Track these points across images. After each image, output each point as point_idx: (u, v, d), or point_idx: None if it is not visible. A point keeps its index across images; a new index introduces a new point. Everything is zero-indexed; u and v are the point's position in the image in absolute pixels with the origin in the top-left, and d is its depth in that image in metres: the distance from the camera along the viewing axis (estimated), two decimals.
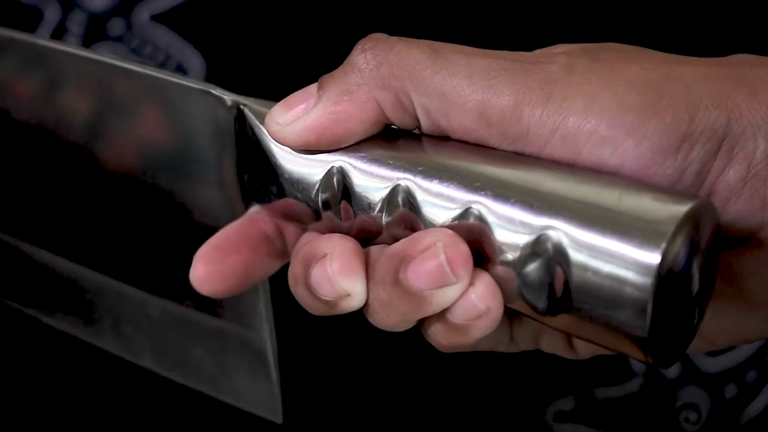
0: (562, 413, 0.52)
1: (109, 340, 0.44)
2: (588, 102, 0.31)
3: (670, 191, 0.30)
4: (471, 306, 0.32)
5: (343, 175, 0.34)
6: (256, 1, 0.50)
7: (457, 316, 0.32)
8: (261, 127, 0.35)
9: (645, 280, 0.29)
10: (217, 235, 0.36)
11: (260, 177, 0.36)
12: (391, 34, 0.34)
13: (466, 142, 0.33)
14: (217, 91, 0.36)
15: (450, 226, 0.32)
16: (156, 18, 0.50)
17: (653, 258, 0.29)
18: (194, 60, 0.49)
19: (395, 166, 0.33)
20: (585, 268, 0.30)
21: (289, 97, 0.34)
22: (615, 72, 0.32)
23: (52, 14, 0.50)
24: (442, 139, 0.33)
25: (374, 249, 0.34)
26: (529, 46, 0.35)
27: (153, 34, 0.49)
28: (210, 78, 0.49)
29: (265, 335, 0.39)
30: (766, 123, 0.31)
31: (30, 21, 0.50)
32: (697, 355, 0.52)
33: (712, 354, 0.52)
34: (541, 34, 0.49)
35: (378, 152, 0.33)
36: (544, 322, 0.32)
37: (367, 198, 0.33)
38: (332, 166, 0.34)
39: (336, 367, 0.52)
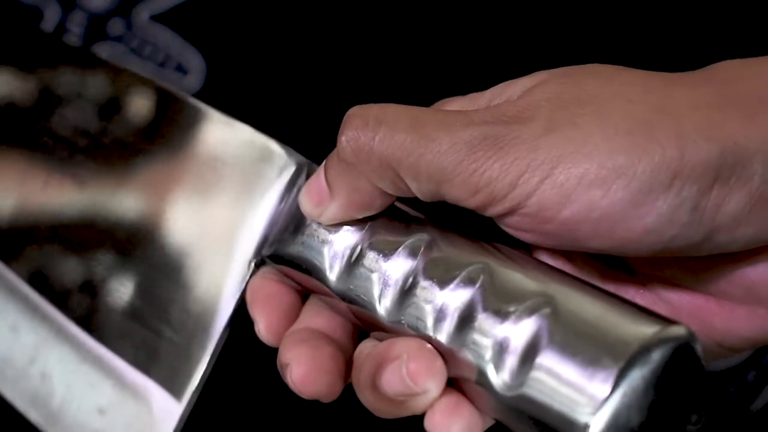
0: None
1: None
2: (577, 146, 0.31)
3: (648, 316, 0.31)
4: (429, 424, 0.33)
5: (361, 251, 0.36)
6: (256, 1, 0.50)
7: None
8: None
9: (593, 404, 0.29)
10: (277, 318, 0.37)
11: (289, 235, 0.38)
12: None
13: (468, 229, 0.34)
14: (288, 152, 0.38)
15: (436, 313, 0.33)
16: (156, 18, 0.50)
17: (606, 384, 0.29)
18: (194, 60, 0.49)
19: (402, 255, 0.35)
20: (548, 367, 0.30)
21: (306, 185, 0.36)
22: (602, 111, 0.31)
23: (52, 14, 0.50)
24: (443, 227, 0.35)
25: (364, 347, 0.35)
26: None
27: (153, 34, 0.49)
28: (210, 78, 0.49)
29: (180, 411, 0.39)
30: (764, 145, 0.31)
31: (30, 21, 0.50)
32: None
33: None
34: (534, 34, 0.49)
35: (393, 238, 0.36)
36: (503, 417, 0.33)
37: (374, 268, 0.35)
38: (355, 247, 0.36)
39: None
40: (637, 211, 0.31)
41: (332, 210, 0.35)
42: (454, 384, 0.34)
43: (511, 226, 0.33)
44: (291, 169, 0.38)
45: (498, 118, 0.32)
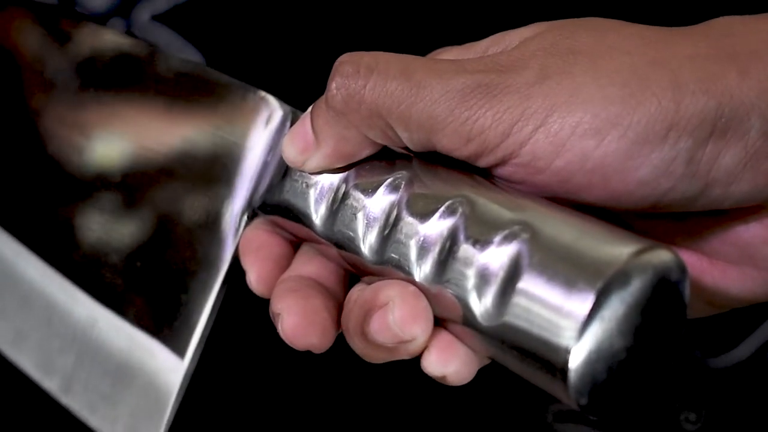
0: (562, 413, 0.52)
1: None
2: (571, 95, 0.30)
3: (629, 237, 0.30)
4: (428, 367, 0.33)
5: (346, 193, 0.35)
6: (256, 1, 0.50)
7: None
8: None
9: (573, 325, 0.29)
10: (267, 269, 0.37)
11: (276, 183, 0.37)
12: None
13: (454, 161, 0.33)
14: (274, 101, 0.38)
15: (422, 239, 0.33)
16: (156, 18, 0.50)
17: (585, 304, 0.29)
18: (194, 60, 0.49)
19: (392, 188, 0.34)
20: (528, 292, 0.30)
21: (290, 132, 0.36)
22: (597, 62, 0.31)
23: None
24: (431, 162, 0.34)
25: (353, 292, 0.34)
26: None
27: (153, 34, 0.49)
28: None
29: (183, 368, 0.38)
30: (760, 100, 0.30)
31: None
32: (696, 355, 0.52)
33: (713, 353, 0.52)
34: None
35: (376, 177, 0.35)
36: (477, 343, 0.32)
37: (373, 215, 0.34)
38: (339, 188, 0.35)
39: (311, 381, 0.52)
40: (632, 163, 0.30)
41: (317, 158, 0.35)
42: (442, 324, 0.33)
43: (503, 176, 0.32)
44: (278, 118, 0.37)
45: (491, 67, 0.32)
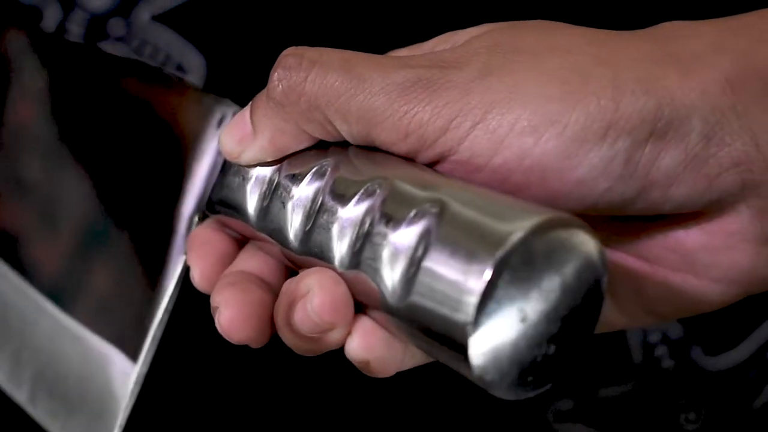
0: (562, 413, 0.52)
1: None
2: (511, 92, 0.30)
3: (534, 207, 0.29)
4: (350, 353, 0.32)
5: (278, 185, 0.35)
6: (257, 1, 0.50)
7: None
8: None
9: (470, 298, 0.28)
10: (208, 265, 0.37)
11: (219, 180, 0.37)
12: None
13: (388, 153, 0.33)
14: (227, 104, 0.37)
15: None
16: (157, 18, 0.50)
17: (483, 274, 0.28)
18: (195, 60, 0.49)
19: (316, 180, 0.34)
20: (431, 269, 0.29)
21: (229, 124, 0.35)
22: (539, 59, 0.31)
23: (52, 14, 0.50)
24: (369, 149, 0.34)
25: (285, 285, 0.34)
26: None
27: (154, 34, 0.49)
28: (211, 78, 0.49)
29: (135, 372, 0.38)
30: (701, 102, 0.30)
31: (30, 21, 0.50)
32: (697, 355, 0.52)
33: (713, 353, 0.52)
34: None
35: (306, 166, 0.34)
36: (398, 332, 0.31)
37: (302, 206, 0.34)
38: (271, 180, 0.35)
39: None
40: (570, 162, 0.30)
41: (253, 150, 0.35)
42: (364, 311, 0.32)
43: (442, 172, 0.32)
44: (229, 119, 0.37)
45: (433, 63, 0.32)
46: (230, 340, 0.34)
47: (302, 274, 0.33)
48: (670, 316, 0.35)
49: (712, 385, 0.52)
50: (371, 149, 0.33)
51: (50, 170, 0.42)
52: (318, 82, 0.32)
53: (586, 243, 0.29)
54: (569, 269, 0.29)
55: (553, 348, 0.29)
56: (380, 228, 0.31)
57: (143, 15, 0.49)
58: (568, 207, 0.31)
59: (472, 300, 0.28)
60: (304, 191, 0.34)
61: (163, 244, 0.38)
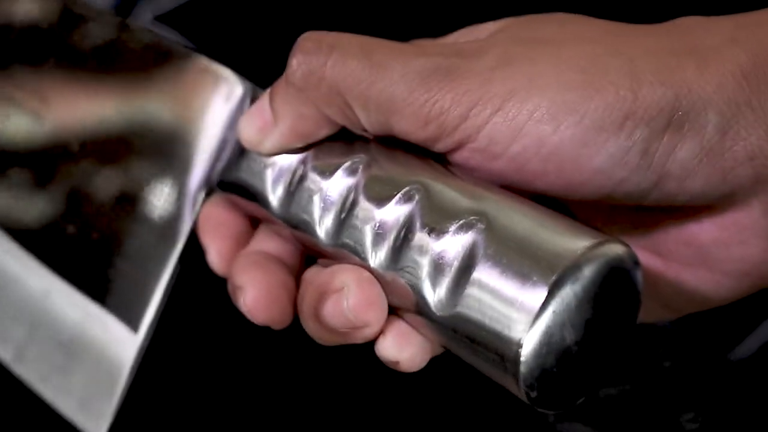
0: (563, 413, 0.52)
1: None
2: (530, 80, 0.30)
3: (584, 230, 0.30)
4: (381, 352, 0.33)
5: (303, 176, 0.35)
6: (257, 1, 0.50)
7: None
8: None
9: (525, 318, 0.29)
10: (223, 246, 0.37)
11: (234, 161, 0.37)
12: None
13: (411, 146, 0.33)
14: (235, 77, 0.37)
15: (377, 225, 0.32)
16: (159, 18, 0.50)
17: (538, 297, 0.29)
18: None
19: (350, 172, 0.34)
20: (482, 283, 0.30)
21: (248, 112, 0.35)
22: (558, 50, 0.31)
23: None
24: (387, 144, 0.34)
25: (308, 274, 0.34)
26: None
27: None
28: None
29: (136, 342, 0.38)
30: (718, 95, 0.30)
31: None
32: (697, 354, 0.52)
33: (718, 350, 0.52)
34: None
35: (334, 160, 0.34)
36: (441, 339, 0.32)
37: (329, 199, 0.34)
38: (296, 170, 0.35)
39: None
40: (587, 151, 0.30)
41: (275, 138, 0.34)
42: (396, 312, 0.33)
43: (459, 162, 0.32)
44: (237, 94, 0.37)
45: (453, 52, 0.32)
46: (254, 321, 0.35)
47: (335, 269, 0.33)
48: (684, 311, 0.35)
49: (712, 384, 0.52)
50: (398, 148, 0.34)
51: (51, 131, 0.42)
52: (338, 67, 0.32)
53: (630, 264, 0.30)
54: (612, 288, 0.30)
55: (593, 362, 0.31)
56: (422, 236, 0.31)
57: (144, 15, 0.50)
58: (584, 196, 0.31)
59: (527, 319, 0.29)
60: (335, 186, 0.34)
61: (166, 216, 0.38)
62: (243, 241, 0.37)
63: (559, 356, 0.30)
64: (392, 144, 0.34)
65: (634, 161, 0.31)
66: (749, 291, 0.34)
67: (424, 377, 0.52)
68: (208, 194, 0.37)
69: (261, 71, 0.51)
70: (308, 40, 0.33)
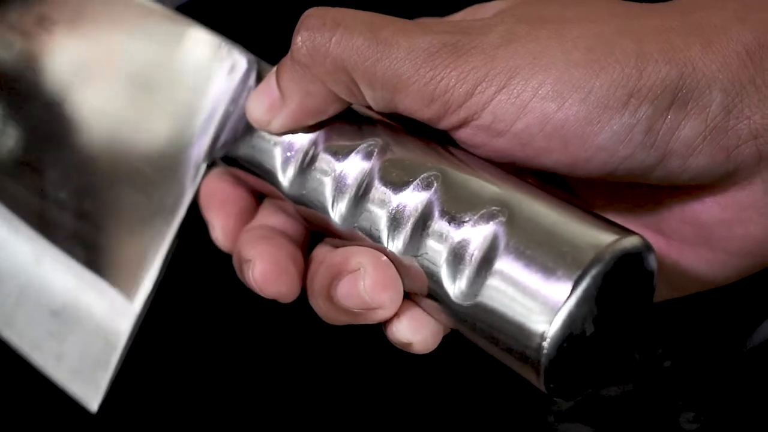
0: (562, 412, 0.52)
1: None
2: (535, 58, 0.30)
3: (604, 224, 0.31)
4: (394, 334, 0.33)
5: (314, 155, 0.35)
6: (258, 2, 0.50)
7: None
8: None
9: (549, 311, 0.29)
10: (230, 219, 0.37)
11: (240, 136, 0.37)
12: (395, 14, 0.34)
13: (420, 129, 0.33)
14: (238, 50, 0.37)
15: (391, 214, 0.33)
16: None
17: (562, 291, 0.29)
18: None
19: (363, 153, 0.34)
20: (504, 274, 0.30)
21: (255, 91, 0.35)
22: (563, 28, 0.31)
23: None
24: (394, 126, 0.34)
25: (319, 252, 0.35)
26: None
27: None
28: None
29: (133, 313, 0.38)
30: (722, 74, 0.30)
31: None
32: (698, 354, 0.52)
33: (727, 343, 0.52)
34: None
35: (347, 141, 0.35)
36: (458, 326, 0.32)
37: (344, 177, 0.34)
38: (308, 150, 0.35)
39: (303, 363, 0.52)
40: (592, 128, 0.30)
41: (283, 117, 0.34)
42: (408, 296, 0.33)
43: (463, 140, 0.32)
44: (242, 68, 0.37)
45: (459, 29, 0.32)
46: (263, 294, 0.35)
47: (350, 249, 0.33)
48: (687, 290, 0.35)
49: (712, 384, 0.52)
50: (409, 133, 0.34)
51: (51, 101, 0.41)
52: (344, 43, 0.32)
53: (647, 256, 0.31)
54: (630, 279, 0.31)
55: (609, 349, 0.31)
56: (441, 224, 0.32)
57: None
58: (587, 173, 0.32)
59: (550, 312, 0.29)
60: (349, 169, 0.34)
61: (166, 186, 0.38)
62: (248, 216, 0.38)
63: (578, 347, 0.30)
64: (397, 121, 0.34)
65: (638, 139, 0.31)
66: (752, 270, 0.34)
67: (424, 377, 0.52)
68: (210, 166, 0.37)
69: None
70: (312, 17, 0.33)
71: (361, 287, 0.32)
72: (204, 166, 0.37)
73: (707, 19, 0.32)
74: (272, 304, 0.35)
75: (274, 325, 0.51)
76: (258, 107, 0.35)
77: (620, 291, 0.30)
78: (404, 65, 0.31)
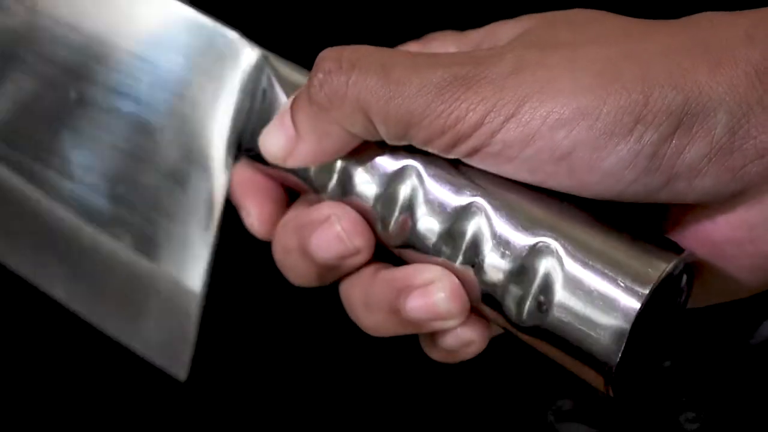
0: (562, 412, 0.52)
1: (23, 260, 0.44)
2: (544, 85, 0.31)
3: (653, 247, 0.32)
4: (457, 337, 0.35)
5: (345, 170, 0.36)
6: (258, 2, 0.50)
7: (445, 343, 0.35)
8: (278, 87, 0.37)
9: (623, 323, 0.31)
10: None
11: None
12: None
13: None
14: (250, 44, 0.37)
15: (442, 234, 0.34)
16: None
17: (634, 304, 0.31)
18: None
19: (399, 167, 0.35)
20: (569, 295, 0.32)
21: (269, 127, 0.36)
22: (572, 54, 0.31)
23: None
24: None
25: (365, 272, 0.36)
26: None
27: None
28: None
29: (197, 287, 0.39)
30: (728, 95, 0.31)
31: None
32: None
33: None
34: None
35: (383, 162, 0.35)
36: (519, 336, 0.34)
37: (369, 187, 0.35)
38: (343, 169, 0.36)
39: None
40: (598, 154, 0.31)
41: (299, 154, 0.35)
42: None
43: (473, 165, 0.33)
44: (250, 59, 0.37)
45: (468, 60, 0.32)
46: (350, 245, 0.35)
47: (415, 267, 0.35)
48: (705, 302, 0.36)
49: (712, 384, 0.52)
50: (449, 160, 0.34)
51: (83, 101, 0.42)
52: (359, 85, 0.33)
53: (690, 268, 0.33)
54: (677, 292, 0.33)
55: (654, 350, 0.34)
56: (494, 251, 0.33)
57: None
58: (594, 195, 0.32)
59: (616, 342, 0.31)
60: (390, 194, 0.35)
61: (197, 179, 0.38)
62: (282, 204, 0.38)
63: (636, 357, 0.32)
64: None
65: (643, 164, 0.31)
66: (765, 286, 0.34)
67: (424, 376, 0.52)
68: (237, 157, 0.38)
69: None
70: (328, 60, 0.34)
71: (438, 298, 0.34)
72: (230, 159, 0.38)
73: (717, 39, 0.32)
74: (293, 300, 0.36)
75: (275, 330, 0.51)
76: (273, 143, 0.36)
77: (669, 302, 0.32)
78: (416, 102, 0.32)
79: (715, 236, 0.33)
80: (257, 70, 0.37)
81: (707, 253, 0.34)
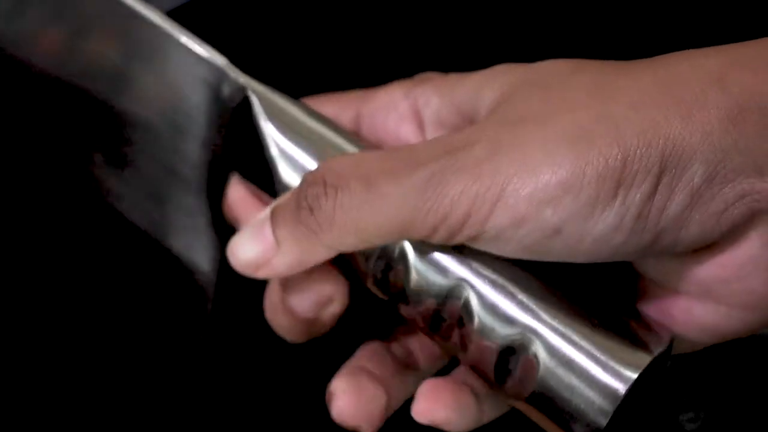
0: None
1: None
2: (521, 166, 0.31)
3: (643, 325, 0.33)
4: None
5: None
6: (258, 2, 0.50)
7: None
8: (263, 115, 0.37)
9: (608, 404, 0.32)
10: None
11: (252, 155, 0.37)
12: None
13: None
14: (235, 72, 0.38)
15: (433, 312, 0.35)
16: None
17: (620, 387, 0.32)
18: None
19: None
20: (555, 375, 0.33)
21: (244, 234, 0.35)
22: (544, 126, 0.32)
23: None
24: None
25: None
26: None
27: None
28: None
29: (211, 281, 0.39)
30: (703, 144, 0.31)
31: None
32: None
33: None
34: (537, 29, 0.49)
35: None
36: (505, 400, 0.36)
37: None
38: None
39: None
40: (586, 223, 0.31)
41: (277, 266, 0.35)
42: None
43: (477, 248, 0.33)
44: (235, 89, 0.38)
45: (442, 151, 0.33)
46: (320, 294, 0.37)
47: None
48: (700, 343, 0.36)
49: (712, 384, 0.52)
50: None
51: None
52: (346, 207, 0.33)
53: (670, 347, 0.34)
54: (659, 368, 0.34)
55: (637, 406, 0.35)
56: (477, 338, 0.34)
57: None
58: (587, 260, 0.33)
59: (603, 419, 0.33)
60: (378, 268, 0.35)
61: (183, 192, 0.39)
62: None
63: (621, 415, 0.33)
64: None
65: (629, 225, 0.31)
66: (763, 324, 0.34)
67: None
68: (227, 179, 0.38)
69: (264, 71, 0.51)
70: (312, 185, 0.34)
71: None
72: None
73: (687, 84, 0.31)
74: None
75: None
76: (247, 251, 0.35)
77: (651, 376, 0.33)
78: (402, 212, 0.32)
79: (703, 275, 0.33)
80: (240, 98, 0.37)
81: (699, 291, 0.34)
